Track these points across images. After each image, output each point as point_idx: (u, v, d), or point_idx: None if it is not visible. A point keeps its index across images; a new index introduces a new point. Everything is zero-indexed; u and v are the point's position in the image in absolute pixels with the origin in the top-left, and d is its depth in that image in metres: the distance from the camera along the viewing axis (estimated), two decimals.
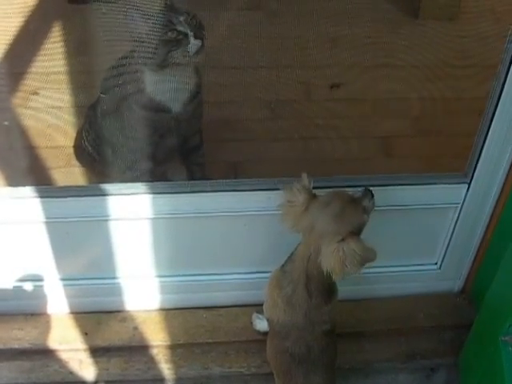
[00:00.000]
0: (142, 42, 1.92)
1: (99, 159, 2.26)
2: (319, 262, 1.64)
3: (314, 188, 1.71)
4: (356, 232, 1.65)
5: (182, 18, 1.88)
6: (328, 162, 2.31)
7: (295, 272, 1.73)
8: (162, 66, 1.94)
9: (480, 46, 2.75)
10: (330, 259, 1.60)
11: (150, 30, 1.89)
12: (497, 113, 1.82)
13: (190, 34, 1.88)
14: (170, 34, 1.88)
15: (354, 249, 1.60)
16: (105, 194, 1.92)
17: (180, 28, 1.88)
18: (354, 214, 1.68)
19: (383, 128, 2.53)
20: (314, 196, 1.69)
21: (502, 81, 1.77)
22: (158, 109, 2.04)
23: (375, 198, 1.75)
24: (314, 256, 1.65)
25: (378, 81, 2.66)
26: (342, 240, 1.61)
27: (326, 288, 1.75)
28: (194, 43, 1.89)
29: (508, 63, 1.73)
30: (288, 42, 2.61)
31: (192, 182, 2.04)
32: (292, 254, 1.76)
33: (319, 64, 2.65)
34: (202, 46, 1.91)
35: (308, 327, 1.79)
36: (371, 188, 1.78)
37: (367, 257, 1.61)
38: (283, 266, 1.79)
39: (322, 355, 1.83)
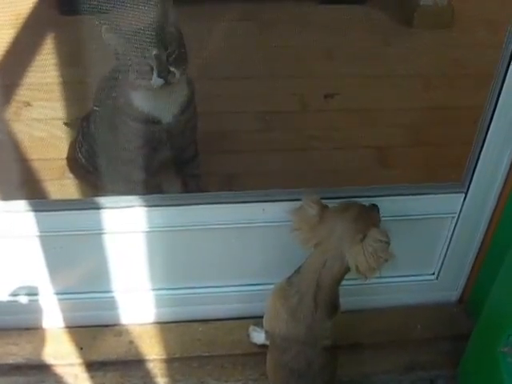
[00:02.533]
0: (124, 58, 1.93)
1: (93, 171, 2.24)
2: (337, 268, 1.65)
3: None
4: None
5: (154, 52, 1.88)
6: (323, 174, 2.30)
7: (303, 283, 1.71)
8: (136, 85, 1.94)
9: (475, 54, 2.75)
10: (360, 258, 1.61)
11: (129, 48, 1.89)
12: (493, 122, 1.81)
13: (155, 70, 1.89)
14: (138, 60, 1.90)
15: (379, 238, 1.61)
16: (99, 208, 1.91)
17: (149, 60, 1.89)
18: (371, 216, 1.71)
19: (379, 138, 2.52)
20: (326, 207, 1.69)
21: (497, 90, 1.76)
22: (147, 121, 2.02)
23: None
24: (331, 263, 1.65)
25: (372, 90, 2.66)
26: (364, 237, 1.61)
27: (332, 301, 1.74)
28: (156, 80, 1.90)
29: (504, 72, 1.73)
30: (282, 52, 2.61)
31: (186, 194, 2.03)
32: (300, 267, 1.74)
33: (313, 74, 2.65)
34: (167, 83, 1.91)
35: (310, 341, 1.77)
36: (368, 198, 1.79)
37: (389, 240, 1.63)
38: (289, 278, 1.77)
39: (322, 371, 1.81)
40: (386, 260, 1.61)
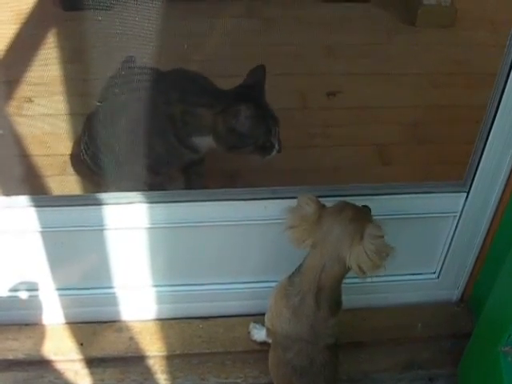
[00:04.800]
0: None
1: (98, 172, 2.24)
2: (337, 269, 1.65)
3: None
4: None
5: (277, 129, 2.03)
6: (325, 171, 2.30)
7: (305, 283, 1.70)
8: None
9: (478, 53, 2.75)
10: (363, 258, 1.60)
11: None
12: (495, 121, 1.81)
13: (276, 148, 2.03)
14: (265, 142, 2.04)
15: (377, 234, 1.60)
16: (101, 204, 1.90)
17: (273, 140, 2.03)
18: (365, 215, 1.69)
19: (381, 136, 2.52)
20: (324, 206, 1.68)
21: (500, 89, 1.75)
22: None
23: (373, 207, 1.75)
24: (330, 265, 1.64)
25: (375, 88, 2.66)
26: (362, 236, 1.60)
27: (335, 299, 1.74)
28: (274, 155, 2.05)
29: (507, 72, 1.72)
30: (284, 50, 2.60)
31: (188, 191, 2.03)
32: (300, 265, 1.73)
33: (315, 72, 2.65)
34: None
35: (312, 340, 1.77)
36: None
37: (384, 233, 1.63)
38: (290, 277, 1.77)
39: (324, 369, 1.81)
40: (388, 254, 1.61)
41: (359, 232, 1.61)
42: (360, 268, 1.61)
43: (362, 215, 1.67)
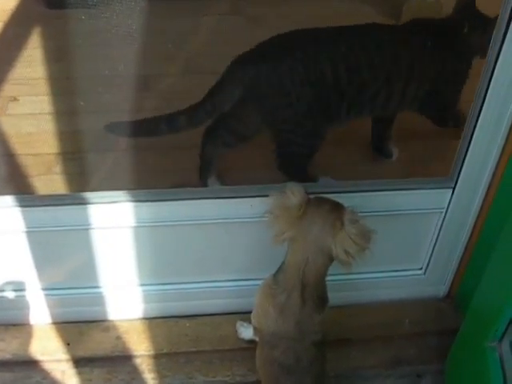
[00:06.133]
0: None
1: None
2: (321, 262, 1.65)
3: None
4: None
5: None
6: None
7: (289, 281, 1.70)
8: None
9: None
10: (348, 243, 1.60)
11: None
12: (480, 117, 1.81)
13: None
14: None
15: (356, 219, 1.61)
16: (86, 203, 1.90)
17: None
18: (342, 205, 1.68)
19: (367, 133, 2.52)
20: (309, 200, 1.67)
21: (486, 85, 1.76)
22: None
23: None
24: (313, 259, 1.64)
25: None
26: (342, 223, 1.61)
27: (320, 295, 1.74)
28: None
29: (491, 67, 1.73)
30: None
31: (174, 189, 2.02)
32: (282, 263, 1.73)
33: None
34: None
35: (299, 337, 1.77)
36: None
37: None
38: (274, 275, 1.77)
39: (311, 366, 1.81)
40: (370, 236, 1.61)
41: (339, 220, 1.61)
42: (347, 253, 1.60)
43: (338, 205, 1.67)
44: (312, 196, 1.69)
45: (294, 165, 2.25)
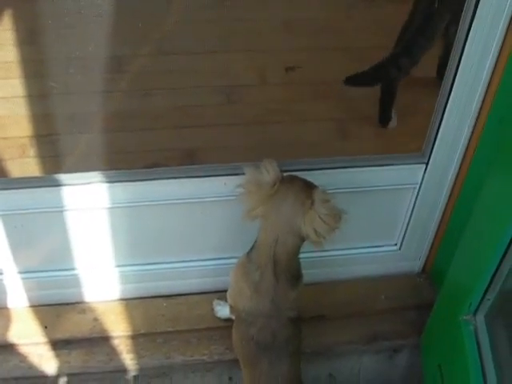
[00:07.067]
0: None
1: None
2: (291, 241, 1.66)
3: None
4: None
5: None
6: (284, 146, 2.29)
7: (262, 258, 1.71)
8: None
9: None
10: (317, 222, 1.60)
11: None
12: (452, 92, 1.82)
13: None
14: None
15: (326, 198, 1.62)
16: (60, 185, 1.89)
17: None
18: (313, 185, 1.68)
19: (339, 110, 2.52)
20: (283, 178, 1.67)
21: (457, 58, 1.76)
22: None
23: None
24: (283, 238, 1.65)
25: (334, 63, 2.65)
26: (312, 202, 1.61)
27: (293, 273, 1.75)
28: None
29: (462, 42, 1.73)
30: (241, 26, 2.59)
31: (147, 169, 2.01)
32: (255, 241, 1.74)
33: (273, 48, 2.63)
34: None
35: (274, 314, 1.78)
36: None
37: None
38: (248, 253, 1.77)
39: (287, 343, 1.82)
40: (340, 216, 1.62)
41: (310, 199, 1.62)
42: (317, 233, 1.61)
43: (310, 185, 1.68)
44: (285, 174, 1.70)
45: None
